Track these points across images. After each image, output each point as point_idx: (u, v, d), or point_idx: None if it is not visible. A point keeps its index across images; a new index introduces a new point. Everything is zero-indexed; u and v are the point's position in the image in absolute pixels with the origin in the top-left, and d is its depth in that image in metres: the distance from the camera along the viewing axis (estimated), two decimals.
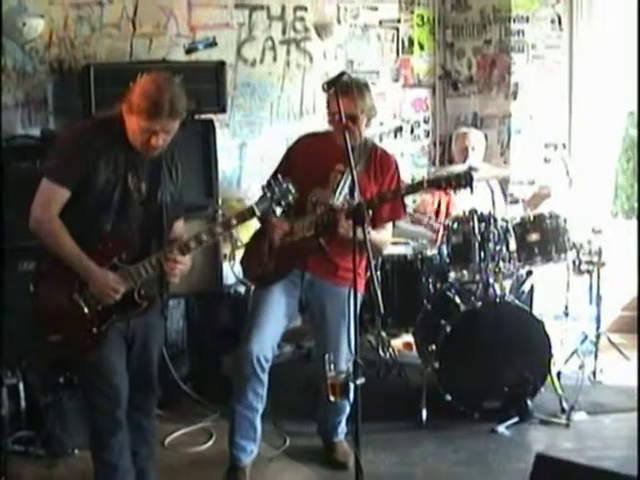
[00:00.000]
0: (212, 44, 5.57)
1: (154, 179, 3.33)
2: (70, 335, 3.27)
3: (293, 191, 3.39)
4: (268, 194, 3.36)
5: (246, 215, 3.39)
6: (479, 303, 4.69)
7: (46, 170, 3.24)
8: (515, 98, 6.21)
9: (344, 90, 3.70)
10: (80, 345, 3.28)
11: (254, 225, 5.69)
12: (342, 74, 3.44)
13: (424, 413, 4.60)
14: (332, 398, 3.26)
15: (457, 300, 4.83)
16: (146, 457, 3.72)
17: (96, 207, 3.23)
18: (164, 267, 3.27)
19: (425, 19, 6.52)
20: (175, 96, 3.16)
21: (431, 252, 5.24)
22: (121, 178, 3.25)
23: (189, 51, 5.48)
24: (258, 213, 3.37)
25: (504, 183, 5.87)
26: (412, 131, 6.59)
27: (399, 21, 6.42)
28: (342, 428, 4.26)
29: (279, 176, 3.45)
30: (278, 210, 3.42)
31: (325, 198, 3.92)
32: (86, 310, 3.25)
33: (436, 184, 3.76)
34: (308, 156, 4.03)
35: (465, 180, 3.66)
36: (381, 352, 5.33)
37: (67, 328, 3.26)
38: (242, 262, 4.30)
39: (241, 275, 4.46)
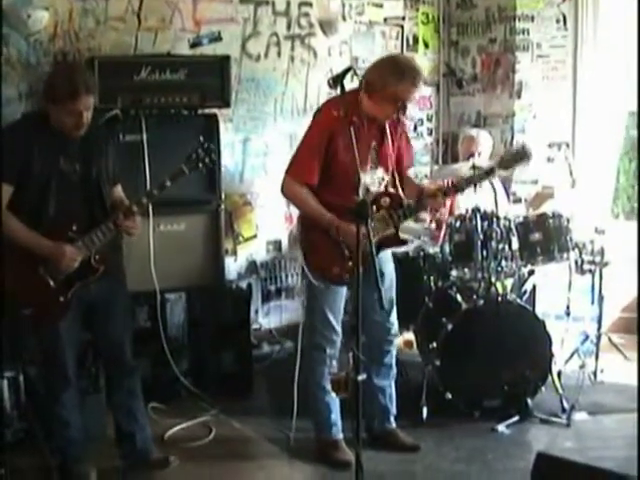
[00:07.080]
0: (217, 39, 5.57)
1: (86, 158, 3.68)
2: (41, 307, 3.63)
3: (213, 156, 3.77)
4: (193, 156, 3.74)
5: (176, 175, 3.73)
6: (481, 301, 4.69)
7: None
8: (519, 97, 6.21)
9: (419, 80, 3.87)
10: (50, 314, 3.65)
11: (253, 220, 5.79)
12: (348, 70, 3.42)
13: (424, 411, 4.61)
14: (334, 394, 3.27)
15: (459, 298, 4.83)
16: (142, 440, 3.98)
17: (37, 193, 3.57)
18: (120, 231, 3.70)
19: (430, 17, 6.53)
20: (85, 75, 3.60)
21: (433, 250, 5.24)
22: (54, 163, 3.59)
23: (194, 45, 5.48)
24: (187, 172, 3.72)
25: (507, 182, 5.87)
26: (415, 129, 6.59)
27: (404, 19, 6.43)
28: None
29: (201, 139, 3.77)
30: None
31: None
32: (52, 282, 3.61)
33: (505, 165, 4.12)
34: (346, 135, 3.62)
35: (525, 153, 4.08)
36: None
37: (38, 301, 3.62)
38: (311, 265, 4.06)
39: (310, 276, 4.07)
